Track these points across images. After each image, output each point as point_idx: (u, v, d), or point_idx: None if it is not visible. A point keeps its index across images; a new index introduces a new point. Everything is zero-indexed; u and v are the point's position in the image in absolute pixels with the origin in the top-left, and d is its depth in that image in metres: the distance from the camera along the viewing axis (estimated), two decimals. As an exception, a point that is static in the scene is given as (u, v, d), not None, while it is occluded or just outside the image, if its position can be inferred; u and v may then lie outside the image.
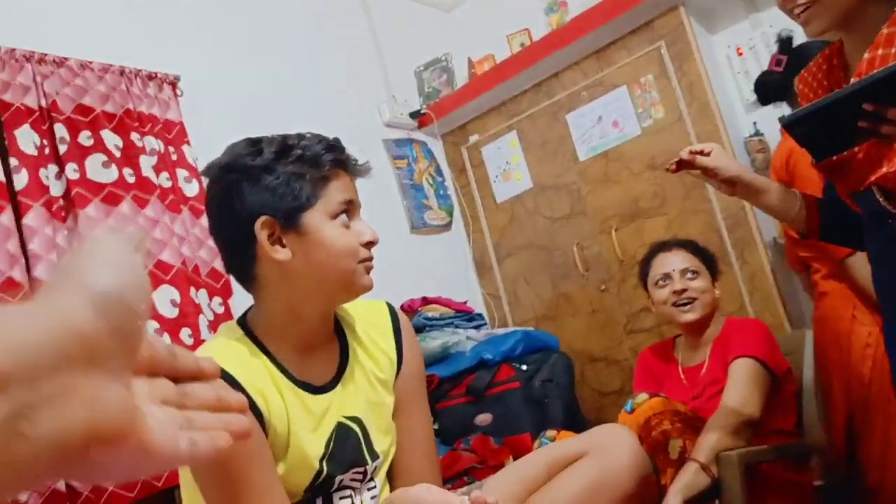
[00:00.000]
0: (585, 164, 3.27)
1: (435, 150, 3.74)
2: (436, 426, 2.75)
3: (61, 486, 1.90)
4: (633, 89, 3.13)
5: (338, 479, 1.23)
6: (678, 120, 3.01)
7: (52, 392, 0.33)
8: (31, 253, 2.02)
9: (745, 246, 2.84)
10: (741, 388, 1.96)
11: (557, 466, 1.31)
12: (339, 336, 1.32)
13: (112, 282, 0.38)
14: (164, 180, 2.38)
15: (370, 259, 1.24)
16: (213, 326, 2.27)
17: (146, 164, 2.33)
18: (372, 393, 1.30)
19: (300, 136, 1.23)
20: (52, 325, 0.34)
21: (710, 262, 2.23)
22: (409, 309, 2.93)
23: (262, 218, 1.17)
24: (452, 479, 2.30)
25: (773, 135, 2.95)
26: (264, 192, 1.18)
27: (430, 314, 2.92)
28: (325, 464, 1.21)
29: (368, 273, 1.24)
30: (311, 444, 1.19)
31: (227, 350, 1.19)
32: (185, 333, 2.19)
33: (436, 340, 2.82)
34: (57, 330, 0.34)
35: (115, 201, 2.21)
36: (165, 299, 2.20)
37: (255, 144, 1.21)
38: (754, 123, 2.97)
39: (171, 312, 2.20)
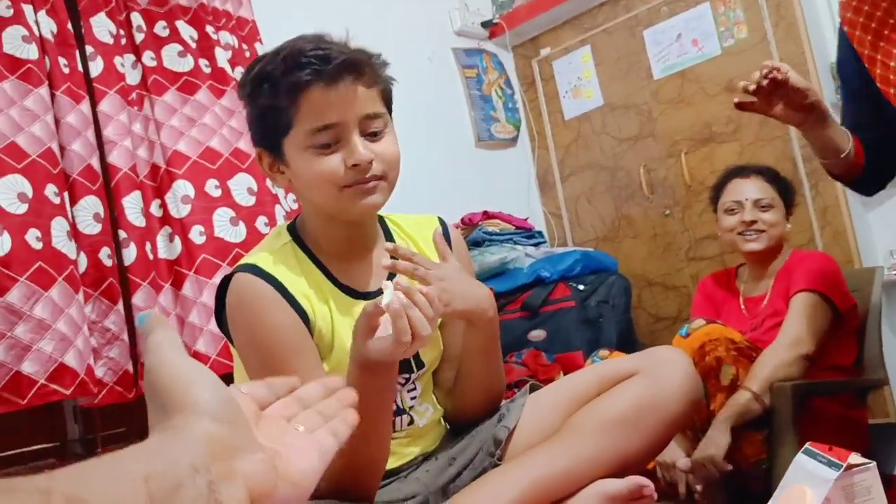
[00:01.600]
0: (659, 84, 3.16)
1: (505, 62, 3.65)
2: (489, 338, 2.79)
3: (130, 367, 2.01)
4: (717, 6, 2.98)
5: None
6: (762, 41, 2.87)
7: (223, 474, 0.49)
8: (106, 139, 2.07)
9: (821, 178, 2.73)
10: (800, 321, 1.92)
11: (608, 383, 1.30)
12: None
13: (209, 395, 0.53)
14: (238, 74, 2.40)
15: (363, 182, 1.15)
16: (290, 217, 2.31)
17: (221, 56, 2.34)
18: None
19: (279, 56, 1.14)
20: (196, 439, 0.50)
21: (786, 193, 2.16)
22: (470, 223, 2.93)
23: (258, 149, 1.23)
24: (502, 389, 2.34)
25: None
26: (252, 123, 1.22)
27: (490, 229, 2.91)
28: None
29: (366, 194, 1.17)
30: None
31: (273, 258, 1.21)
32: (261, 221, 2.23)
33: (494, 255, 2.82)
34: (201, 442, 0.50)
35: (192, 90, 2.24)
36: (242, 187, 2.23)
37: (248, 70, 1.20)
38: (844, 48, 2.82)
39: (248, 200, 2.24)
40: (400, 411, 1.28)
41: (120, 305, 2.00)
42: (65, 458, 2.00)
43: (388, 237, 1.33)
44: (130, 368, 2.01)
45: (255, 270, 1.17)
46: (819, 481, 0.93)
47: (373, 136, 1.17)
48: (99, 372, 1.92)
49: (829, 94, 2.78)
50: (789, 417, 1.74)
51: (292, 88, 1.12)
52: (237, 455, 0.51)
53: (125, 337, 2.00)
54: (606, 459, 1.25)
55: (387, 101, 1.22)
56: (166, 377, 0.54)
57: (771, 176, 2.17)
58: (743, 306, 2.17)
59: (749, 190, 2.12)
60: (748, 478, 1.82)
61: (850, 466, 0.92)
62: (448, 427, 1.41)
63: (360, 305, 1.19)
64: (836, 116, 2.77)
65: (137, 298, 2.03)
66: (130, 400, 2.00)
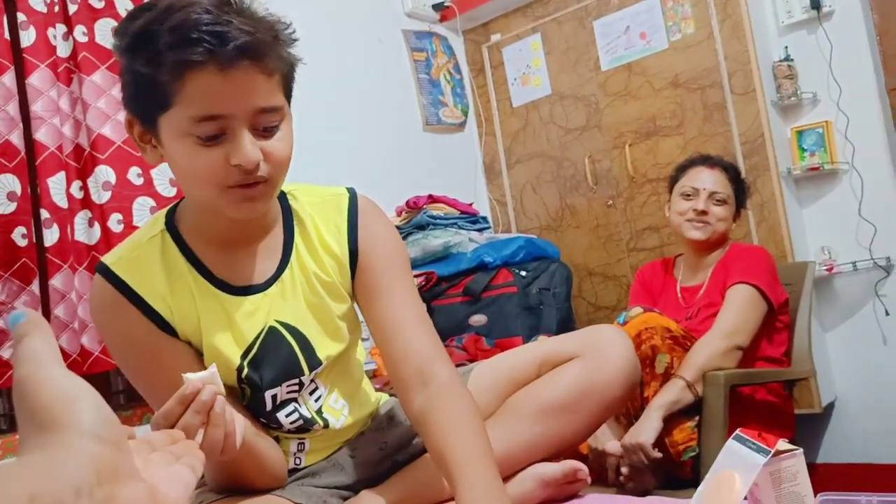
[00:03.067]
0: (607, 75, 3.19)
1: (455, 47, 3.64)
2: (430, 322, 2.78)
3: None
4: (666, 1, 3.02)
5: (269, 395, 1.13)
6: (708, 38, 2.91)
7: (106, 500, 0.46)
8: (34, 115, 1.99)
9: (759, 174, 2.80)
10: (736, 313, 1.97)
11: (548, 365, 1.29)
12: (287, 231, 1.16)
13: (92, 416, 0.49)
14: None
15: (247, 186, 0.98)
16: None
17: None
18: (313, 297, 1.15)
19: (167, 23, 0.92)
20: (81, 460, 0.46)
21: (741, 195, 2.22)
22: (415, 206, 2.92)
23: (128, 115, 1.03)
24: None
25: (803, 61, 2.87)
26: (125, 84, 1.00)
27: (434, 212, 2.90)
28: (247, 364, 1.11)
29: (247, 201, 1.00)
30: (226, 344, 1.10)
31: (133, 255, 1.10)
32: None
33: (438, 239, 2.82)
34: (86, 464, 0.46)
35: (122, 72, 2.17)
36: (165, 177, 2.22)
37: (124, 23, 0.98)
38: (786, 48, 2.88)
39: (168, 191, 2.21)
40: (308, 422, 1.17)
41: (34, 286, 1.93)
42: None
43: (288, 219, 1.16)
44: None
45: (107, 274, 1.08)
46: (748, 466, 0.95)
47: (265, 133, 0.99)
48: (5, 354, 1.86)
49: (770, 94, 2.85)
50: (720, 406, 1.78)
51: (178, 66, 0.92)
52: (121, 481, 0.48)
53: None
54: (543, 443, 1.25)
55: (287, 88, 1.04)
56: (43, 392, 0.50)
57: (733, 173, 2.22)
58: (680, 295, 2.21)
59: (709, 181, 2.17)
60: (678, 464, 1.85)
61: (778, 452, 0.94)
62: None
63: (240, 301, 1.10)
64: (780, 119, 2.85)
65: (56, 281, 1.97)
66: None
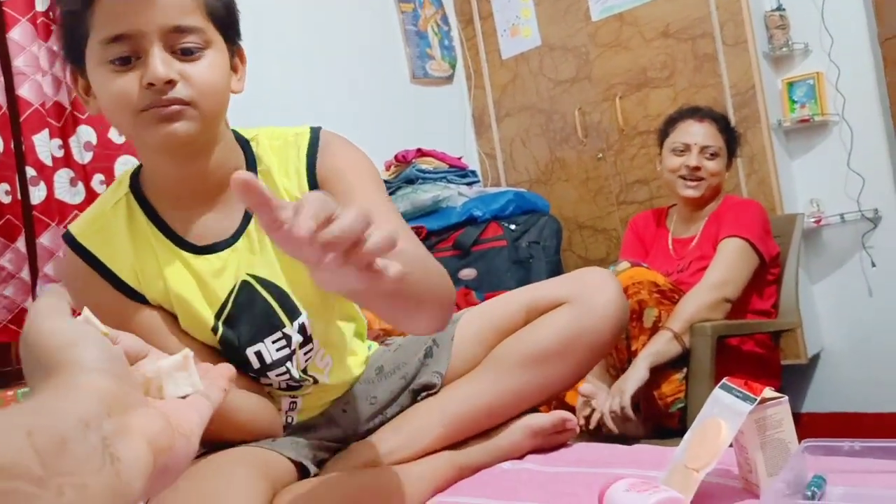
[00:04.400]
0: (597, 26, 3.14)
1: (443, -3, 3.58)
2: (420, 277, 2.78)
3: (28, 305, 1.93)
4: (658, -51, 2.96)
5: (251, 352, 1.11)
6: (700, -14, 2.87)
7: (118, 430, 0.47)
8: (17, 70, 1.95)
9: (750, 126, 2.78)
10: (726, 266, 1.97)
11: (535, 312, 1.26)
12: None
13: (95, 353, 0.51)
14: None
15: (159, 104, 0.94)
16: None
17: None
18: None
19: None
20: (86, 395, 0.48)
21: (732, 144, 2.20)
22: (403, 160, 2.89)
23: (69, 69, 1.03)
24: (431, 327, 2.35)
25: (795, 11, 2.83)
26: (59, 35, 1.00)
27: (423, 166, 2.89)
28: (221, 324, 1.09)
29: (163, 122, 0.95)
30: (198, 305, 1.08)
31: (99, 222, 1.08)
32: None
33: (427, 193, 2.81)
34: (91, 397, 0.48)
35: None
36: None
37: None
38: (778, -2, 2.85)
39: None
40: (296, 382, 1.16)
41: (19, 243, 1.91)
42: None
43: (252, 168, 1.10)
44: (28, 307, 1.93)
45: (74, 245, 1.07)
46: (734, 414, 0.95)
47: (186, 56, 0.96)
48: None
49: (762, 44, 2.82)
50: (707, 357, 1.79)
51: None
52: (130, 410, 0.49)
53: (24, 276, 1.92)
54: (531, 391, 1.25)
55: (215, 16, 0.99)
56: (46, 337, 0.52)
57: (723, 124, 2.19)
58: (671, 246, 2.22)
59: (700, 134, 2.14)
60: (666, 416, 1.88)
61: (763, 400, 0.95)
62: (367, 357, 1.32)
63: (206, 260, 1.07)
64: (771, 70, 2.82)
65: (45, 239, 1.95)
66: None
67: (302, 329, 1.13)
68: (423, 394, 1.26)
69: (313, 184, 1.09)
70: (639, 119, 3.04)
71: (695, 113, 2.20)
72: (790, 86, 2.89)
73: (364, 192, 1.07)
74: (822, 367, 2.95)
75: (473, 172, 3.14)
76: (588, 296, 1.25)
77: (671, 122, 2.23)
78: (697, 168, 2.11)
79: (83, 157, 2.03)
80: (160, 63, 0.92)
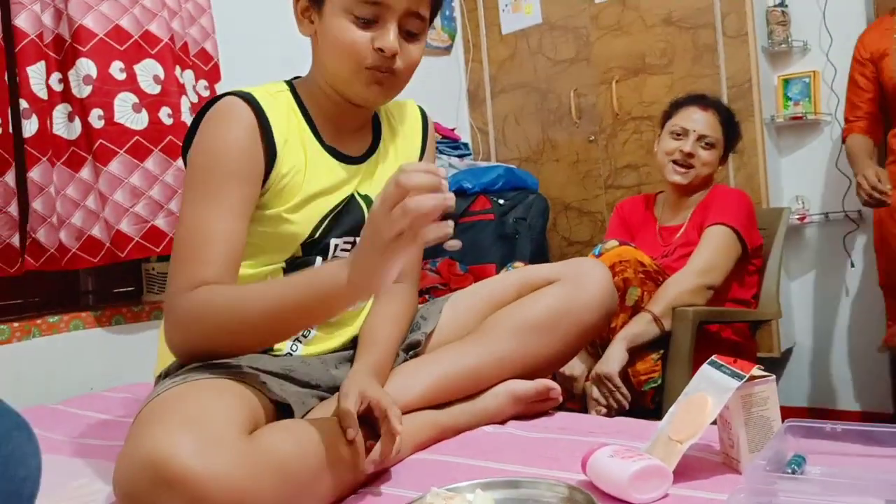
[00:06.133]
0: (600, 8, 3.13)
1: (447, -33, 3.54)
2: (405, 244, 2.78)
3: (15, 241, 1.91)
4: (666, -65, 2.95)
5: (333, 241, 1.24)
6: (705, -24, 2.87)
7: None
8: (14, 0, 1.90)
9: (743, 119, 2.78)
10: (710, 253, 1.99)
11: (527, 288, 1.33)
12: (374, 124, 1.33)
13: None
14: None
15: (379, 69, 1.15)
16: (195, 109, 2.19)
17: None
18: (394, 169, 1.25)
19: None
20: None
21: (732, 139, 2.20)
22: (396, 126, 2.88)
23: None
24: (414, 295, 2.35)
25: (797, 8, 2.85)
26: None
27: (416, 135, 2.87)
28: (326, 220, 1.23)
29: (376, 83, 1.17)
30: (321, 202, 1.22)
31: (267, 97, 1.19)
32: (164, 112, 2.10)
33: (417, 162, 2.80)
34: None
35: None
36: (148, 74, 2.09)
37: None
38: (782, -7, 2.86)
39: (153, 88, 2.09)
40: None
41: (8, 177, 1.87)
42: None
43: (377, 119, 1.34)
44: (15, 242, 1.90)
45: (246, 96, 1.16)
46: (721, 389, 0.97)
47: (409, 36, 1.17)
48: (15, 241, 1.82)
49: (761, 39, 2.83)
50: (687, 341, 1.81)
51: None
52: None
53: (12, 210, 1.88)
54: (517, 360, 1.27)
55: (433, 10, 1.21)
56: None
57: (725, 117, 2.18)
58: (658, 234, 2.23)
59: (700, 122, 2.13)
60: (639, 394, 1.90)
61: (751, 378, 0.97)
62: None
63: (341, 167, 1.24)
64: (769, 65, 2.83)
65: (35, 173, 1.92)
66: (13, 274, 1.90)
67: None
68: (411, 352, 1.28)
69: (423, 154, 1.39)
70: (633, 104, 3.04)
71: (701, 100, 2.19)
72: (786, 82, 2.91)
73: None
74: (793, 362, 3.00)
75: (466, 145, 3.13)
76: (580, 277, 1.33)
77: (676, 106, 2.23)
78: (691, 154, 2.12)
79: (81, 90, 1.98)
80: (393, 37, 1.14)
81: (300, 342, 1.26)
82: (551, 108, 3.31)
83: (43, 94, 1.94)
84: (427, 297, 2.39)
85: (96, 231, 2.02)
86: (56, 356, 2.00)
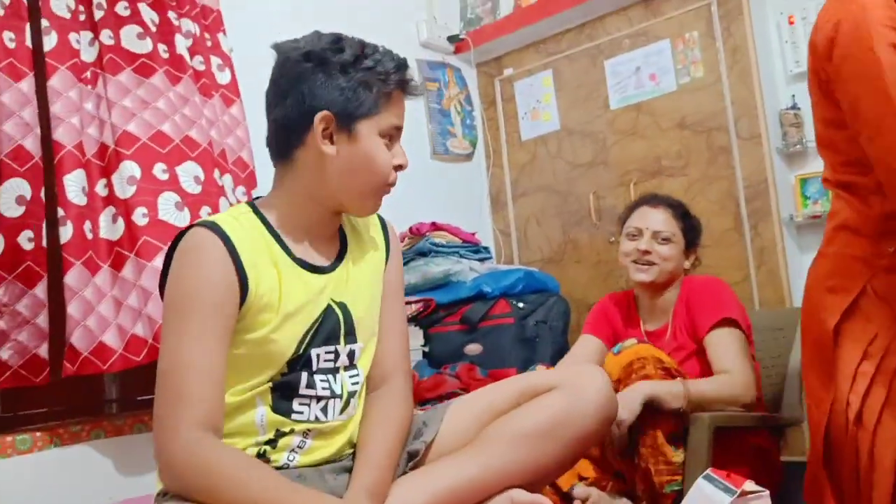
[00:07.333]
0: (615, 114, 3.23)
1: (468, 79, 3.69)
2: (426, 349, 2.80)
3: (42, 351, 1.96)
4: (676, 44, 3.06)
5: (314, 352, 1.29)
6: (716, 82, 2.95)
7: None
8: (53, 115, 2.03)
9: (761, 219, 2.82)
10: (743, 361, 1.93)
11: (526, 396, 1.33)
12: (341, 231, 1.43)
13: None
14: (197, 63, 2.36)
15: (392, 185, 1.33)
16: None
17: (181, 43, 2.30)
18: (365, 283, 1.40)
19: (375, 48, 1.30)
20: None
21: (690, 232, 2.18)
22: (417, 232, 2.94)
23: (324, 112, 1.26)
24: (434, 400, 2.35)
25: (810, 110, 2.89)
26: (334, 90, 1.26)
27: (436, 240, 2.93)
28: (309, 335, 1.28)
29: (381, 199, 1.35)
30: (301, 317, 1.27)
31: (232, 223, 1.26)
32: (204, 211, 2.18)
33: (439, 266, 2.84)
34: None
35: (148, 73, 2.19)
36: (189, 175, 2.19)
37: (338, 42, 1.29)
38: (793, 96, 2.91)
39: (193, 189, 2.19)
40: (335, 395, 1.30)
41: (38, 289, 1.95)
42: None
43: (342, 243, 1.41)
44: (42, 353, 1.96)
45: (212, 226, 1.23)
46: (714, 505, 0.96)
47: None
48: (3, 355, 1.86)
49: (775, 140, 2.87)
50: (704, 448, 1.77)
51: (398, 82, 1.30)
52: None
53: (41, 321, 1.95)
54: (517, 470, 1.27)
55: None
56: None
57: (679, 212, 2.18)
58: (645, 337, 2.17)
59: (653, 220, 2.14)
60: (660, 495, 1.84)
61: (744, 493, 0.96)
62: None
63: (314, 278, 1.31)
64: (785, 165, 2.87)
65: (70, 278, 1.99)
66: (38, 384, 1.95)
67: (351, 354, 1.34)
68: (410, 463, 1.28)
69: (387, 246, 1.48)
70: (652, 206, 3.08)
71: (651, 200, 2.21)
72: (803, 182, 2.93)
73: (400, 292, 1.49)
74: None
75: (486, 248, 3.17)
76: (579, 383, 1.33)
77: (629, 210, 2.25)
78: (647, 252, 2.10)
79: (125, 191, 2.07)
80: (405, 154, 1.35)
81: (296, 452, 1.27)
82: (572, 210, 3.36)
83: (79, 200, 2.04)
84: (447, 401, 2.38)
85: (139, 329, 2.05)
86: (76, 467, 2.02)
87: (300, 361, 1.28)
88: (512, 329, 2.71)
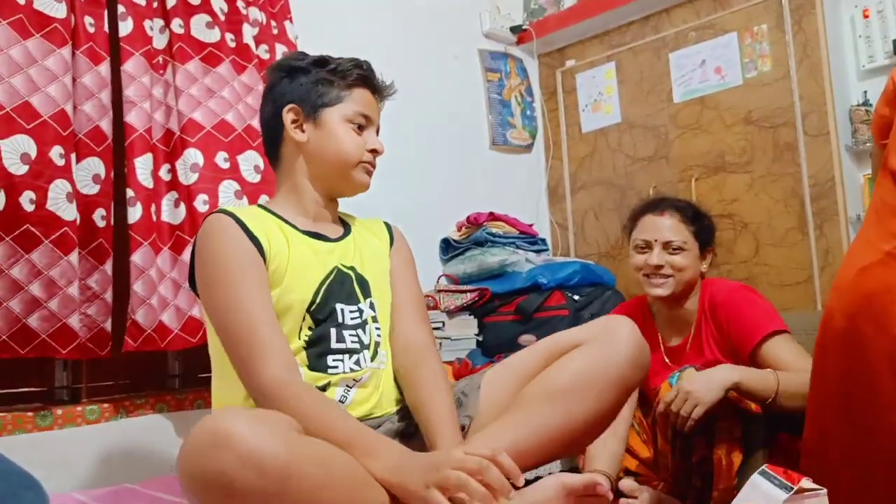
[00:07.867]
0: (678, 108, 3.18)
1: (529, 70, 3.68)
2: (480, 338, 2.81)
3: (107, 325, 2.03)
4: (744, 37, 3.00)
5: (339, 307, 1.42)
6: (784, 77, 2.88)
7: None
8: (126, 99, 2.10)
9: (827, 218, 2.75)
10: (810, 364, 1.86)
11: (554, 357, 1.37)
12: (345, 224, 1.60)
13: None
14: (262, 52, 2.42)
15: (371, 164, 1.51)
16: None
17: (248, 32, 2.36)
18: (371, 254, 1.55)
19: (339, 58, 1.52)
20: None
21: (703, 234, 2.03)
22: (475, 222, 2.95)
23: (290, 105, 1.49)
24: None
25: (883, 108, 2.80)
26: (298, 87, 1.49)
27: (493, 230, 2.93)
28: (323, 287, 1.42)
29: (367, 174, 1.52)
30: (311, 272, 1.42)
31: (240, 209, 1.44)
32: (263, 199, 2.22)
33: (495, 256, 2.84)
34: None
35: (215, 62, 2.26)
36: (250, 164, 2.26)
37: (302, 55, 1.54)
38: (864, 92, 2.83)
39: (253, 178, 2.26)
40: (364, 346, 1.42)
41: (107, 266, 2.03)
42: (50, 403, 2.04)
43: (346, 227, 1.58)
44: (107, 327, 2.03)
45: (220, 211, 1.41)
46: (770, 501, 0.95)
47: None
48: (74, 324, 1.93)
49: (844, 138, 2.80)
50: (759, 444, 1.74)
51: (357, 77, 1.51)
52: None
53: (107, 297, 2.03)
54: (556, 428, 1.29)
55: None
56: None
57: (688, 215, 2.03)
58: (666, 358, 2.05)
59: (661, 229, 1.99)
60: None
61: (801, 490, 0.95)
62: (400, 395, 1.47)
63: (322, 244, 1.48)
64: (854, 164, 2.79)
65: (137, 257, 2.06)
66: (103, 356, 2.03)
67: (372, 306, 1.48)
68: None
69: (391, 244, 1.63)
70: (713, 202, 3.03)
71: (656, 206, 2.05)
72: (872, 181, 2.84)
73: (410, 271, 1.62)
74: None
75: (543, 240, 3.16)
76: (607, 334, 1.36)
77: (633, 218, 2.09)
78: (660, 266, 1.96)
79: (188, 178, 2.14)
80: (380, 140, 1.55)
81: (342, 404, 1.36)
82: (630, 205, 3.27)
83: (147, 182, 2.11)
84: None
85: (195, 311, 2.13)
86: (140, 436, 2.10)
87: (324, 312, 1.40)
88: (566, 321, 2.70)
